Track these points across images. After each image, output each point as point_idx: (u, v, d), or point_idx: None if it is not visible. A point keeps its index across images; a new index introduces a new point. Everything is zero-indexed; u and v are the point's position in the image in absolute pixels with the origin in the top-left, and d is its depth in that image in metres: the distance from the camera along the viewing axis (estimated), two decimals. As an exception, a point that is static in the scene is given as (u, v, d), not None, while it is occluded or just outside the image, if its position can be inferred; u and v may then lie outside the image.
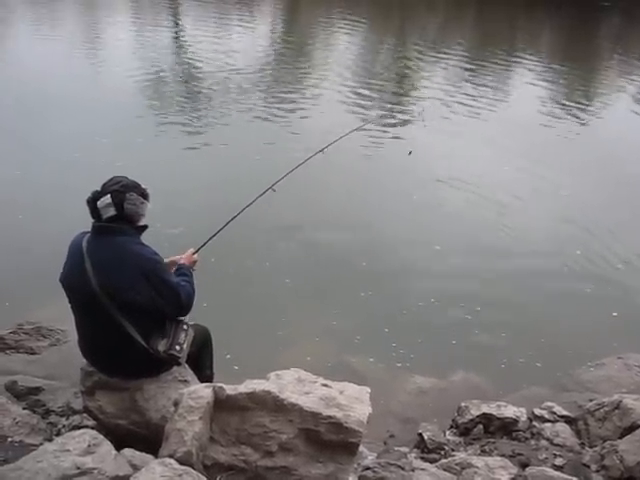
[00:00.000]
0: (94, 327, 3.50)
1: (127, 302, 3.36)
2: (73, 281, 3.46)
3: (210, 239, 4.09)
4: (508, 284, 6.56)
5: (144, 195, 3.48)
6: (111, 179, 3.46)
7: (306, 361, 4.89)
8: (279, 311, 5.84)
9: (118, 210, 3.37)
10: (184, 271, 3.72)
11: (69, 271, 3.49)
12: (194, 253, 3.95)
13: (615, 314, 6.09)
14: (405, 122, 11.69)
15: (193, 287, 3.64)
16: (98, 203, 3.37)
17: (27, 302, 5.68)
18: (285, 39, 20.04)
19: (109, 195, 3.35)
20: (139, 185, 3.49)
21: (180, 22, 21.70)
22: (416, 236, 7.45)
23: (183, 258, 3.87)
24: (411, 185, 8.79)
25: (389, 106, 12.70)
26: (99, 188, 3.42)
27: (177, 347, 3.48)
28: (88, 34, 18.32)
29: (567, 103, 13.57)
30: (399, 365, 5.30)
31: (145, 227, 3.55)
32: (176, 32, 19.58)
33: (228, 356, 4.57)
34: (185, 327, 3.58)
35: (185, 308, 3.57)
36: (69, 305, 3.59)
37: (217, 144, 9.85)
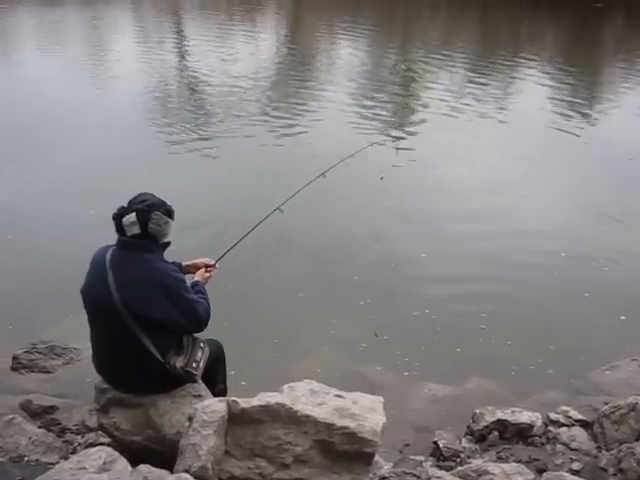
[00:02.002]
0: (111, 340, 3.53)
1: (147, 317, 3.40)
2: (94, 293, 3.50)
3: (219, 259, 4.13)
4: (510, 291, 6.48)
5: (169, 213, 3.52)
6: (137, 196, 3.51)
7: (317, 372, 4.88)
8: (283, 324, 5.84)
9: (142, 229, 3.41)
10: (199, 288, 3.77)
11: (90, 283, 3.54)
12: (207, 268, 3.99)
13: (623, 317, 6.01)
14: (410, 131, 11.72)
15: (209, 303, 3.70)
16: (123, 220, 3.42)
17: (40, 321, 5.71)
18: (289, 48, 20.14)
19: (134, 213, 3.40)
20: (165, 203, 3.53)
21: (183, 34, 21.87)
22: (417, 243, 7.42)
23: (197, 275, 3.92)
24: (413, 193, 8.81)
25: (395, 115, 12.75)
26: (125, 204, 3.48)
27: (194, 364, 3.52)
28: (92, 50, 18.51)
29: (571, 104, 13.57)
30: (406, 374, 5.28)
31: (168, 244, 3.60)
32: (180, 45, 19.73)
33: (239, 370, 4.55)
34: (202, 345, 3.63)
35: (203, 324, 3.62)
36: (86, 318, 3.62)
37: (222, 159, 9.90)
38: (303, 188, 4.76)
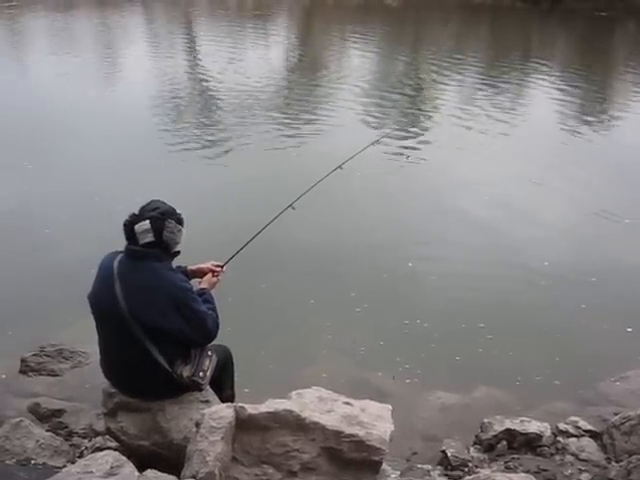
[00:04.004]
0: (119, 348, 3.51)
1: (155, 327, 3.37)
2: (101, 301, 3.47)
3: (227, 262, 4.08)
4: (508, 302, 6.40)
5: (180, 221, 3.49)
6: (149, 203, 3.48)
7: (321, 379, 4.84)
8: (287, 330, 5.82)
9: (157, 237, 3.38)
10: (207, 297, 3.71)
11: (98, 291, 3.51)
12: (214, 273, 3.94)
13: (630, 330, 5.92)
14: (421, 136, 11.72)
15: (217, 314, 3.65)
16: (136, 227, 3.37)
17: (49, 324, 5.72)
18: (300, 55, 20.19)
19: (148, 221, 3.36)
20: (175, 211, 3.50)
21: (194, 39, 21.95)
22: (414, 250, 7.37)
23: (204, 281, 3.87)
24: (420, 199, 8.82)
25: (406, 120, 12.76)
26: (137, 211, 3.44)
27: (201, 374, 3.49)
28: (100, 54, 18.59)
29: (583, 109, 13.61)
30: (408, 381, 5.25)
31: (178, 253, 3.57)
32: (191, 52, 19.78)
33: (242, 376, 4.54)
34: (209, 353, 3.59)
35: (211, 337, 3.58)
36: (94, 324, 3.60)
37: (235, 164, 9.92)
38: (313, 187, 4.71)
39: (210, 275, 3.92)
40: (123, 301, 3.35)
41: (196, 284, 3.86)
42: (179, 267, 3.79)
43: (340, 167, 5.04)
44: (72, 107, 12.61)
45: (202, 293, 3.72)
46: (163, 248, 3.44)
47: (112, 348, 3.59)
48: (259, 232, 4.32)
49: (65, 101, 13.18)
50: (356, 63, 18.18)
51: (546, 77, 16.37)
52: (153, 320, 3.36)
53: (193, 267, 3.95)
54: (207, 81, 15.67)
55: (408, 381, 5.25)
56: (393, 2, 29.64)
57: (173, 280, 3.45)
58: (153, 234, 3.37)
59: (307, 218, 7.26)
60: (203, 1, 30.78)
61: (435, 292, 6.54)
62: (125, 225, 3.43)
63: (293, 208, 4.51)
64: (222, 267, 4.01)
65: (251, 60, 17.88)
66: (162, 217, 3.39)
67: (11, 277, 6.53)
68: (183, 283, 3.51)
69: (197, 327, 3.46)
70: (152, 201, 3.51)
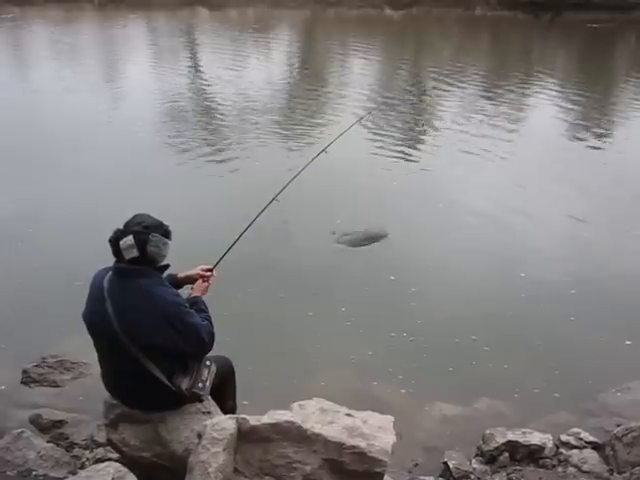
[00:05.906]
0: (117, 365, 3.49)
1: (149, 344, 3.33)
2: (95, 321, 3.44)
3: (216, 264, 4.00)
4: (498, 314, 6.35)
5: (166, 234, 3.43)
6: (134, 218, 3.41)
7: (320, 391, 4.82)
8: (283, 340, 5.81)
9: (141, 252, 3.31)
10: (200, 306, 3.66)
11: (91, 310, 3.48)
12: (204, 278, 3.87)
13: (629, 342, 5.87)
14: (418, 143, 11.80)
15: (212, 323, 3.60)
16: (120, 243, 3.32)
17: (50, 335, 5.71)
18: (301, 66, 20.29)
19: (131, 236, 3.30)
20: (162, 224, 3.44)
21: (196, 52, 22.06)
22: (405, 261, 7.36)
23: (195, 288, 3.82)
24: (417, 207, 8.84)
25: (406, 129, 12.82)
26: (121, 227, 3.38)
27: (200, 384, 3.45)
28: (102, 67, 18.69)
29: (584, 122, 13.63)
30: (403, 391, 5.23)
31: (167, 266, 3.53)
32: (192, 64, 19.87)
33: (243, 388, 4.53)
34: (208, 363, 3.55)
35: (208, 348, 3.54)
36: (92, 341, 3.58)
37: (232, 175, 9.97)
38: (299, 173, 4.75)
39: (200, 281, 3.86)
40: (115, 320, 3.32)
41: (187, 291, 3.82)
42: (169, 275, 3.75)
43: (325, 151, 5.11)
44: (73, 120, 12.66)
45: (194, 302, 3.67)
46: (149, 263, 3.38)
47: (110, 364, 3.57)
48: (245, 230, 4.26)
49: (66, 114, 13.23)
50: (357, 74, 18.27)
51: (546, 88, 16.43)
52: (146, 337, 3.33)
53: (182, 275, 3.88)
54: (208, 93, 15.73)
55: (403, 391, 5.24)
56: (394, 14, 29.81)
57: (163, 296, 3.38)
58: (137, 249, 3.30)
59: (295, 226, 7.39)
60: (204, 13, 30.97)
61: (421, 305, 6.50)
62: (110, 242, 3.37)
63: (277, 200, 4.49)
64: (211, 270, 3.93)
65: (252, 72, 17.97)
66: (146, 231, 3.32)
67: (12, 287, 6.54)
68: (173, 297, 3.44)
69: (191, 340, 3.41)
70: (136, 215, 3.44)
